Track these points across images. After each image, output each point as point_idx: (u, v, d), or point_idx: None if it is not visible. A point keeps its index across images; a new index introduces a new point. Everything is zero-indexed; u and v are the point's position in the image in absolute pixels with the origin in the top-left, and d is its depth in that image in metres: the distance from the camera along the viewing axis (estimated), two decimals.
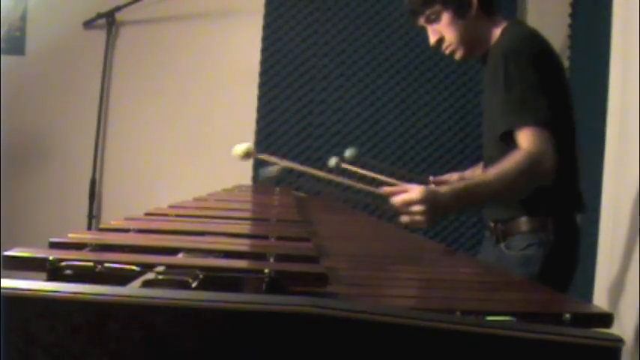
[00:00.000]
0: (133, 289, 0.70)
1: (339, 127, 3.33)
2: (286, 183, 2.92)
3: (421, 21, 1.89)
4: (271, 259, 0.97)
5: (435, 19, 1.85)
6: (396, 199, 1.58)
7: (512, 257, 1.82)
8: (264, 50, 3.31)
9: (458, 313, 0.79)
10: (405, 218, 1.60)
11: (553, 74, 1.80)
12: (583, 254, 2.55)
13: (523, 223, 1.83)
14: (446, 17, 1.83)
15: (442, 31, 1.85)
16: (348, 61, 3.34)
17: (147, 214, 1.45)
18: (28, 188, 3.32)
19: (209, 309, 0.66)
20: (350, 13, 3.34)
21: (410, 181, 1.95)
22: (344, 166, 2.31)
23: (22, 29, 3.33)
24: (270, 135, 3.32)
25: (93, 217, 3.30)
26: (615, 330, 0.75)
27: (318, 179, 1.86)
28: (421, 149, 3.34)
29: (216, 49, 3.36)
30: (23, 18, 3.34)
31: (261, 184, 1.81)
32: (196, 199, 1.93)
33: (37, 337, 0.66)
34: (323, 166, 2.43)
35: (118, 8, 3.28)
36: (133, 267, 0.82)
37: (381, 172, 2.18)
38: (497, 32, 1.85)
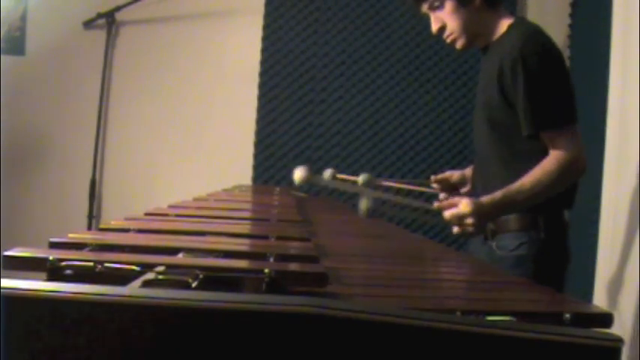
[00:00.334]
0: (133, 289, 0.70)
1: (339, 127, 3.33)
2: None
3: (424, 8, 1.89)
4: (271, 259, 0.97)
5: (438, 7, 1.86)
6: (448, 214, 1.69)
7: (504, 258, 1.81)
8: (264, 50, 3.31)
9: (458, 313, 0.79)
10: (456, 229, 1.71)
11: (562, 73, 1.81)
12: (583, 254, 2.56)
13: (513, 220, 1.83)
14: (449, 5, 1.84)
15: (445, 19, 1.86)
16: (348, 61, 3.34)
17: (147, 214, 1.45)
18: (28, 188, 3.32)
19: (209, 309, 0.66)
20: (350, 13, 3.34)
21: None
22: (339, 176, 2.34)
23: (22, 29, 3.33)
24: (270, 135, 3.32)
25: (93, 217, 3.30)
26: (615, 330, 0.75)
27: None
28: (421, 149, 3.34)
29: (216, 49, 3.36)
30: (23, 18, 3.34)
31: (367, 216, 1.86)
32: (196, 199, 1.93)
33: (37, 337, 0.66)
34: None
35: (118, 8, 3.28)
36: (133, 267, 0.82)
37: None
38: (501, 26, 1.85)
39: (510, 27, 1.83)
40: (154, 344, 0.67)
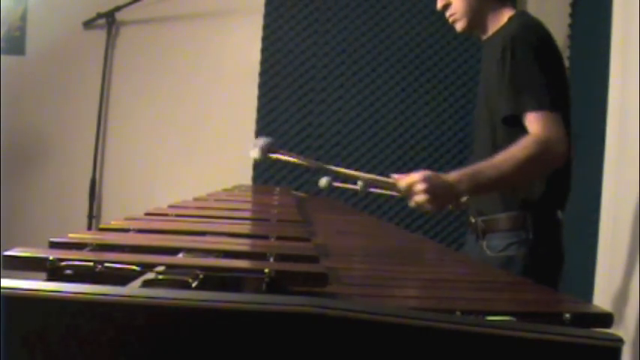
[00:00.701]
0: (133, 289, 0.70)
1: (339, 127, 3.33)
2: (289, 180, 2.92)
3: None
4: (271, 259, 0.97)
5: None
6: (401, 183, 1.64)
7: (493, 259, 1.81)
8: (264, 50, 3.31)
9: (458, 313, 0.79)
10: (412, 202, 1.64)
11: (556, 66, 1.81)
12: (583, 254, 2.56)
13: (502, 220, 1.82)
14: None
15: None
16: (348, 61, 3.34)
17: (147, 214, 1.45)
18: (28, 188, 3.32)
19: (209, 309, 0.66)
20: (350, 13, 3.34)
21: None
22: (335, 184, 2.37)
23: (22, 29, 3.34)
24: (270, 135, 3.30)
25: (93, 217, 3.30)
26: (615, 330, 0.75)
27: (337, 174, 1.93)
28: (421, 149, 3.34)
29: (216, 49, 3.36)
30: (23, 18, 3.34)
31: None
32: (196, 199, 1.93)
33: (37, 337, 0.66)
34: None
35: (118, 8, 3.28)
36: (133, 267, 0.82)
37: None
38: (503, 18, 1.86)
39: (510, 19, 1.85)
40: (154, 344, 0.67)
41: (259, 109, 3.31)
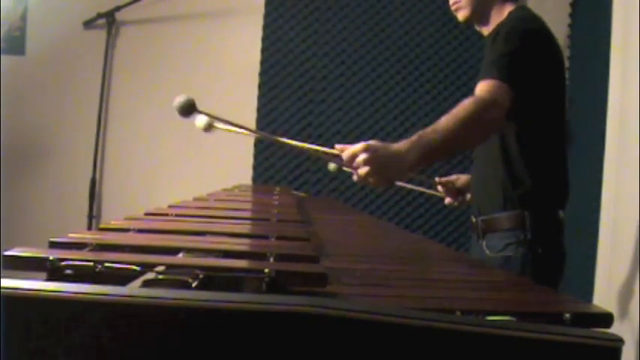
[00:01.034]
0: (133, 289, 0.70)
1: (339, 127, 3.33)
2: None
3: None
4: (271, 259, 0.97)
5: None
6: (344, 154, 1.54)
7: (492, 259, 1.81)
8: (264, 50, 3.31)
9: (458, 313, 0.79)
10: (355, 177, 1.55)
11: (546, 58, 1.80)
12: (583, 254, 2.56)
13: (502, 219, 1.82)
14: None
15: None
16: (348, 61, 3.34)
17: (147, 214, 1.45)
18: (28, 188, 3.32)
19: (209, 309, 0.66)
20: (350, 12, 3.34)
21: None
22: (345, 169, 2.32)
23: (22, 29, 3.33)
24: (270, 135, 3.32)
25: (93, 217, 3.30)
26: (615, 330, 0.75)
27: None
28: None
29: (216, 49, 3.36)
30: (23, 18, 3.34)
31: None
32: (196, 199, 1.93)
33: (37, 337, 0.66)
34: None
35: (118, 8, 3.28)
36: (133, 267, 0.82)
37: None
38: (504, 13, 1.87)
39: (510, 13, 1.85)
40: (154, 344, 0.67)
41: (259, 109, 3.31)
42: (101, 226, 1.27)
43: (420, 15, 3.34)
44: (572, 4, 3.26)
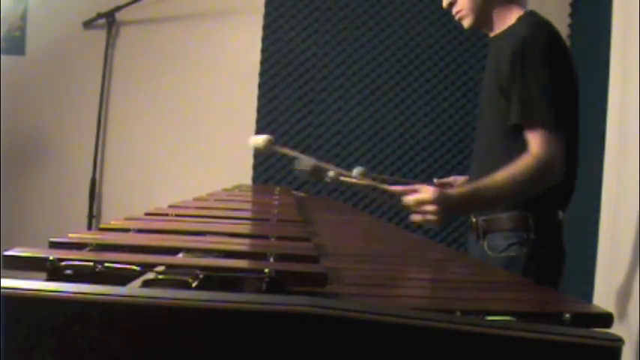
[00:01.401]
0: (133, 289, 0.70)
1: (339, 127, 3.33)
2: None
3: None
4: (271, 259, 0.97)
5: None
6: (409, 199, 1.65)
7: (495, 260, 1.80)
8: (264, 50, 3.31)
9: (458, 313, 0.79)
10: (417, 217, 1.66)
11: (565, 69, 1.80)
12: (583, 254, 2.56)
13: (504, 220, 1.82)
14: None
15: None
16: (348, 61, 3.34)
17: (147, 214, 1.45)
18: (28, 188, 3.32)
19: (209, 309, 0.66)
20: (350, 13, 3.34)
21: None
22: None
23: (22, 29, 3.34)
24: (270, 135, 3.31)
25: (93, 217, 3.30)
26: (615, 330, 0.75)
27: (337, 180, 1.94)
28: (421, 149, 3.34)
29: (216, 49, 3.36)
30: (23, 18, 3.34)
31: (301, 175, 1.92)
32: (196, 199, 1.93)
33: (37, 337, 0.66)
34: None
35: (118, 8, 3.28)
36: (133, 267, 0.82)
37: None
38: (511, 16, 1.85)
39: (519, 18, 1.83)
40: (154, 344, 0.67)
41: (259, 109, 3.31)
42: (101, 226, 1.27)
43: (420, 15, 3.34)
44: (572, 4, 3.26)
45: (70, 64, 3.36)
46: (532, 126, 1.72)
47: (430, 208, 1.63)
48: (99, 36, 3.32)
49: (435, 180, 2.21)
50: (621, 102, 2.40)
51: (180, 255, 0.96)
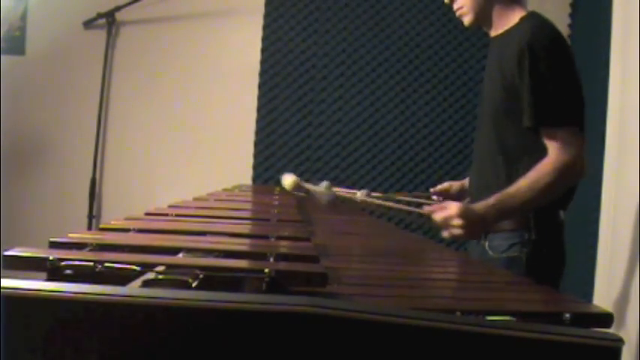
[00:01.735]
0: (133, 289, 0.70)
1: (339, 127, 3.33)
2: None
3: None
4: (271, 259, 0.97)
5: None
6: (437, 216, 1.72)
7: (496, 260, 1.80)
8: (264, 50, 3.31)
9: (458, 313, 0.79)
10: (445, 233, 1.72)
11: (572, 69, 1.80)
12: (583, 254, 2.56)
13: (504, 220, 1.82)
14: None
15: None
16: (348, 61, 3.34)
17: (147, 214, 1.45)
18: (28, 188, 3.32)
19: (209, 309, 0.66)
20: (350, 13, 3.34)
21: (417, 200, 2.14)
22: (374, 194, 2.36)
23: (22, 29, 3.34)
24: (270, 135, 3.32)
25: (93, 217, 3.30)
26: (615, 330, 0.75)
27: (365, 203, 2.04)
28: (421, 149, 3.34)
29: (216, 49, 3.36)
30: (23, 18, 3.34)
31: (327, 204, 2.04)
32: (196, 199, 1.93)
33: (37, 337, 0.66)
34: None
35: (118, 8, 3.28)
36: (133, 267, 0.82)
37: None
38: (513, 16, 1.84)
39: (522, 19, 1.82)
40: (154, 344, 0.67)
41: (259, 109, 3.32)
42: (101, 226, 1.27)
43: (420, 15, 3.34)
44: (572, 4, 3.26)
45: (70, 64, 3.36)
46: (548, 128, 1.73)
47: (457, 222, 1.68)
48: (99, 36, 3.32)
49: (431, 190, 2.21)
50: (621, 102, 2.40)
51: (180, 255, 0.96)
